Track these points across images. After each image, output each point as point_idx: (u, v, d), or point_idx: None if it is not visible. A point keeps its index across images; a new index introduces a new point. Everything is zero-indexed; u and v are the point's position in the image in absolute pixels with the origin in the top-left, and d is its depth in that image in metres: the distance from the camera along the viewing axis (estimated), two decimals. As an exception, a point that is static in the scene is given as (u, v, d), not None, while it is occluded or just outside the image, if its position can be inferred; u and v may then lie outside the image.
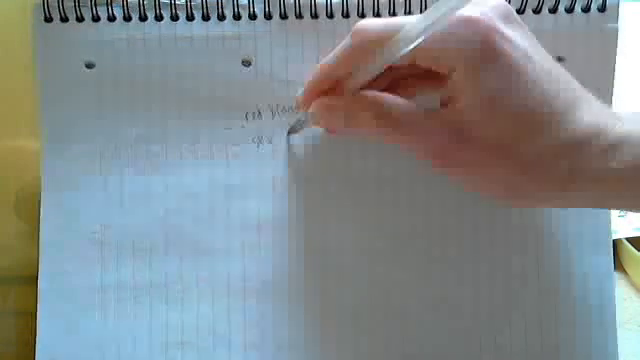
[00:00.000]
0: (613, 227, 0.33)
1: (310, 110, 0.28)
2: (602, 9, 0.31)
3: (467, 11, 0.24)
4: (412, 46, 0.23)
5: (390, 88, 0.28)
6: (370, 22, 0.26)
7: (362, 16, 0.32)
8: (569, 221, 0.32)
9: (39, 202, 0.32)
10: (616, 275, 0.33)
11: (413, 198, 0.32)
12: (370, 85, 0.26)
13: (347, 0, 0.32)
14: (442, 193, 0.32)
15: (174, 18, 0.32)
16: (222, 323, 0.32)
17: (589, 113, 0.24)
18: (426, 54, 0.25)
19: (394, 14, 0.32)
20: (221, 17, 0.32)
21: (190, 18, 0.32)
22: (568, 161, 0.24)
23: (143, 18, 0.32)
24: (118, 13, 0.32)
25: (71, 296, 0.32)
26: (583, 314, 0.32)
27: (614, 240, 0.41)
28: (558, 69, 0.25)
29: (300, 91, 0.29)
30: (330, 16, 0.32)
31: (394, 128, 0.26)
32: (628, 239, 0.47)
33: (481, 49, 0.24)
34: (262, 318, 0.32)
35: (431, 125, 0.25)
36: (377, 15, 0.32)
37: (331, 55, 0.27)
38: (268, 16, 0.32)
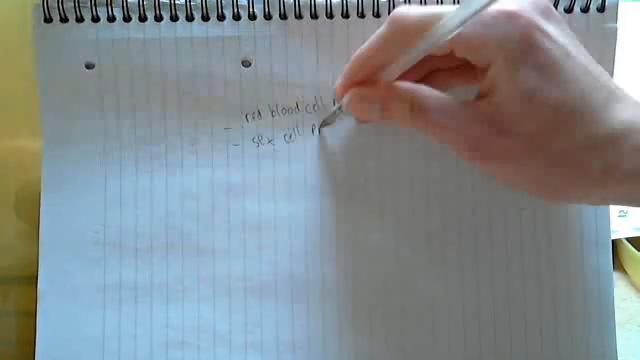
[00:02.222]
0: (613, 227, 0.33)
1: (345, 99, 0.28)
2: (601, 9, 0.31)
3: (507, 5, 0.24)
4: (452, 35, 0.23)
5: (422, 82, 0.28)
6: (408, 9, 0.25)
7: (362, 16, 0.32)
8: (569, 221, 0.32)
9: (39, 202, 0.32)
10: (616, 275, 0.33)
11: (413, 198, 0.32)
12: (403, 78, 0.26)
13: (347, 0, 0.32)
14: (442, 193, 0.32)
15: (174, 19, 0.32)
16: (223, 323, 0.32)
17: (625, 110, 0.25)
18: (465, 46, 0.25)
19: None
20: (221, 17, 0.32)
21: (190, 18, 0.32)
22: (602, 158, 0.24)
23: (143, 19, 0.32)
24: (118, 14, 0.32)
25: (71, 296, 0.32)
26: (583, 314, 0.32)
27: (614, 240, 0.41)
28: (595, 66, 0.25)
29: (338, 79, 0.29)
30: (330, 16, 0.32)
31: (429, 119, 0.26)
32: (628, 239, 0.47)
33: (521, 44, 0.24)
34: (263, 318, 0.32)
35: (467, 116, 0.25)
36: (377, 15, 0.32)
37: (367, 43, 0.27)
38: (268, 16, 0.32)
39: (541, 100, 0.24)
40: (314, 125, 0.33)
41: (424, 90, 0.26)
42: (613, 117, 0.24)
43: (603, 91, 0.25)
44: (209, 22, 0.32)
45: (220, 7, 0.32)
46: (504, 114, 0.25)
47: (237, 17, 0.32)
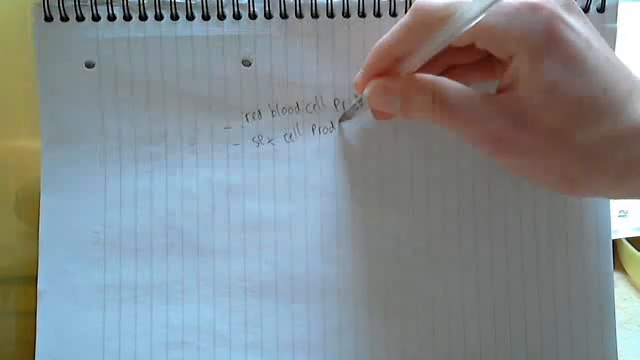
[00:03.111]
0: (613, 227, 0.33)
1: (365, 92, 0.28)
2: (601, 9, 0.31)
3: None
4: (473, 23, 0.23)
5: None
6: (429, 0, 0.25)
7: (362, 16, 0.32)
8: (569, 221, 0.32)
9: (39, 202, 0.32)
10: (616, 275, 0.33)
11: (413, 198, 0.32)
12: (423, 72, 0.26)
13: (348, 0, 0.32)
14: (442, 193, 0.32)
15: (174, 18, 0.32)
16: (223, 323, 0.32)
17: None
18: (488, 37, 0.25)
19: (394, 14, 0.32)
20: (221, 17, 0.32)
21: (190, 18, 0.32)
22: (625, 151, 0.24)
23: (143, 18, 0.32)
24: (118, 12, 0.32)
25: (71, 296, 0.32)
26: (583, 314, 0.32)
27: (614, 240, 0.41)
28: (617, 59, 0.25)
29: (359, 73, 0.29)
30: (330, 16, 0.32)
31: (451, 111, 0.26)
32: (628, 239, 0.47)
33: (544, 36, 0.24)
34: (263, 318, 0.32)
35: (489, 109, 0.25)
36: (377, 15, 0.32)
37: (388, 33, 0.27)
38: (268, 15, 0.32)
39: (564, 93, 0.24)
40: (314, 125, 0.32)
41: (445, 82, 0.26)
42: (637, 109, 0.24)
43: (626, 83, 0.25)
44: (209, 21, 0.32)
45: (220, 6, 0.32)
46: (527, 107, 0.25)
47: (237, 16, 0.32)
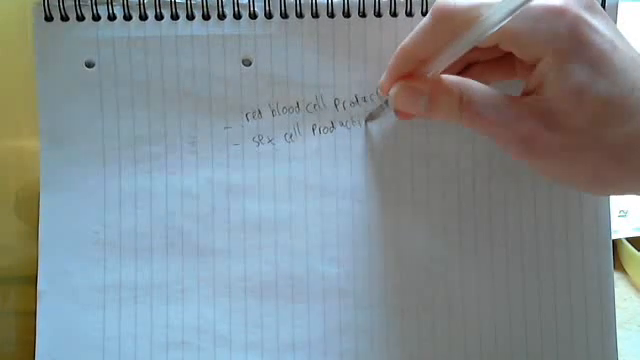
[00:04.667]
0: (613, 227, 0.33)
1: (391, 93, 0.28)
2: (602, 9, 0.32)
3: (553, 1, 0.24)
4: (498, 27, 0.23)
5: (460, 75, 0.28)
6: (453, 2, 0.25)
7: (363, 16, 0.32)
8: (570, 221, 0.32)
9: (39, 202, 0.32)
10: (616, 275, 0.33)
11: (413, 198, 0.32)
12: (443, 71, 0.26)
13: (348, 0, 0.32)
14: (443, 194, 0.32)
15: (174, 17, 0.32)
16: (223, 323, 0.32)
17: None
18: (513, 40, 0.25)
19: (395, 14, 0.32)
20: (221, 16, 0.32)
21: (190, 17, 0.32)
22: None
23: (143, 17, 0.32)
24: (118, 12, 0.32)
25: (71, 296, 0.32)
26: (583, 314, 0.32)
27: (614, 240, 0.41)
28: None
29: (383, 75, 0.29)
30: (331, 15, 0.32)
31: (478, 113, 0.26)
32: (628, 239, 0.47)
33: (569, 39, 0.24)
34: (263, 318, 0.32)
35: (517, 111, 0.25)
36: (378, 15, 0.32)
37: (411, 36, 0.27)
38: (269, 15, 0.32)
39: (591, 94, 0.24)
40: (315, 125, 0.32)
41: (471, 83, 0.26)
42: None
43: None
44: (210, 21, 0.32)
45: (221, 6, 0.32)
46: (554, 110, 0.25)
47: (238, 16, 0.32)
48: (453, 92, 0.26)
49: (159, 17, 0.32)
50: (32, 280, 0.32)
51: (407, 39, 0.27)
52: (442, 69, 0.26)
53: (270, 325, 0.32)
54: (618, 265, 0.47)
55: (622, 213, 0.47)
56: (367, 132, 0.32)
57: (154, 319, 0.32)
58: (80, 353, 0.32)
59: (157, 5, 0.32)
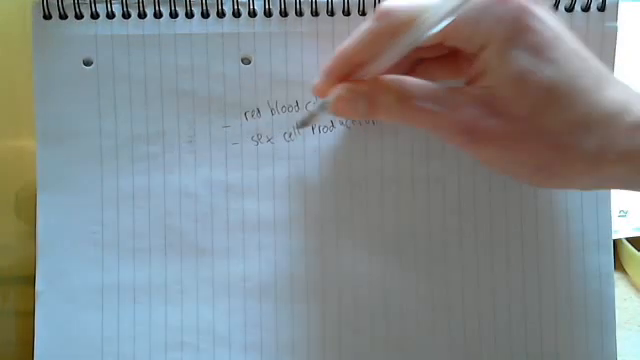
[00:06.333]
0: (613, 227, 0.33)
1: (329, 97, 0.28)
2: (602, 8, 0.31)
3: None
4: (441, 26, 0.23)
5: (406, 75, 0.28)
6: (395, 3, 0.25)
7: (363, 14, 0.32)
8: (569, 221, 0.32)
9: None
10: (616, 275, 0.33)
11: (413, 198, 0.32)
12: (386, 72, 0.26)
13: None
14: (443, 193, 0.32)
15: (173, 15, 0.32)
16: (222, 323, 0.32)
17: (616, 91, 0.25)
18: (457, 34, 0.25)
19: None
20: (220, 14, 0.32)
21: (189, 15, 0.32)
22: (598, 136, 0.24)
23: (142, 15, 0.32)
24: (117, 10, 0.32)
25: (69, 296, 0.32)
26: (583, 314, 0.32)
27: (614, 240, 0.41)
28: (584, 50, 0.26)
29: (316, 79, 0.29)
30: (331, 14, 0.32)
31: (417, 106, 0.26)
32: (628, 239, 0.47)
33: (513, 26, 0.24)
34: (262, 318, 0.32)
35: (456, 100, 0.25)
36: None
37: (352, 39, 0.27)
38: (268, 13, 0.32)
39: (533, 80, 0.24)
40: (314, 124, 0.32)
41: (409, 79, 0.26)
42: (605, 98, 0.24)
43: (594, 72, 0.25)
44: (209, 19, 0.32)
45: (220, 4, 0.32)
46: (496, 96, 0.25)
47: (237, 14, 0.32)
48: (391, 90, 0.26)
49: (158, 15, 0.32)
50: (32, 280, 0.32)
51: (347, 41, 0.27)
52: (382, 71, 0.26)
53: (269, 325, 0.32)
54: (618, 265, 0.47)
55: (622, 213, 0.47)
56: (367, 131, 0.32)
57: (153, 319, 0.32)
58: (78, 353, 0.32)
59: (156, 3, 0.32)
